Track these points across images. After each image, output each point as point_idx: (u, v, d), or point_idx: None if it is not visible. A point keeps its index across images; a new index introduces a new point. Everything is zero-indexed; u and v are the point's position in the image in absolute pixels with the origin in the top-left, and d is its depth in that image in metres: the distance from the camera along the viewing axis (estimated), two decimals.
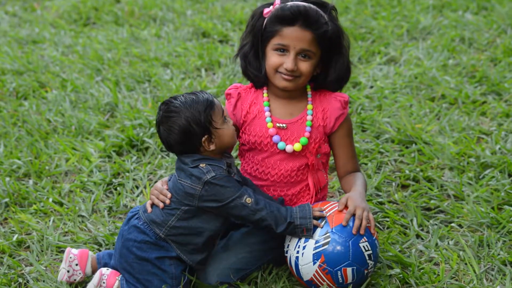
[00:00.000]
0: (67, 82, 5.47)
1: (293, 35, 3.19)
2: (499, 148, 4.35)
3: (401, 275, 3.31)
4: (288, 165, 3.34)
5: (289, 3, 3.21)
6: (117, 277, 3.20)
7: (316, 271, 3.10)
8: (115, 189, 4.14)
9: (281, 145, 3.30)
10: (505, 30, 6.23)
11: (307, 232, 3.11)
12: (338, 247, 3.07)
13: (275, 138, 3.31)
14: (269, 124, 3.31)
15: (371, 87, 5.31)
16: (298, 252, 3.14)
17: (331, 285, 3.12)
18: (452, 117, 4.74)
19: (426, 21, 6.44)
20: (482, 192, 3.90)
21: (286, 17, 3.18)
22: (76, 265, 3.30)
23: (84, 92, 5.32)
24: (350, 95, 5.06)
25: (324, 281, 3.11)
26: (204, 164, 3.09)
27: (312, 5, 3.20)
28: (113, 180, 4.20)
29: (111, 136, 4.64)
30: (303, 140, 3.30)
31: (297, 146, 3.30)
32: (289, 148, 3.30)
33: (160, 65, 5.82)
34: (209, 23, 6.67)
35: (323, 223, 3.11)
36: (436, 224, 3.71)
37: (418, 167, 4.21)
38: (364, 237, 3.09)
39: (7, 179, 4.17)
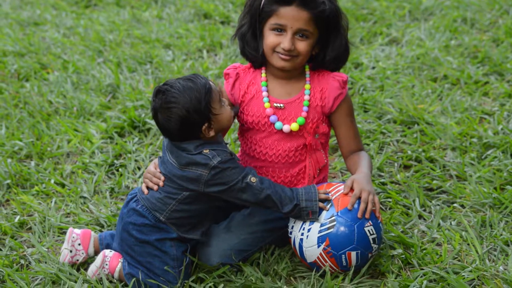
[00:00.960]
0: (69, 63, 5.47)
1: (290, 15, 3.17)
2: (502, 129, 4.34)
3: (403, 256, 3.31)
4: (286, 145, 3.33)
5: None
6: (119, 259, 3.20)
7: (321, 254, 3.10)
8: (117, 171, 4.14)
9: (278, 125, 3.29)
10: (507, 11, 6.21)
11: (313, 215, 3.10)
12: (344, 231, 3.06)
13: (272, 118, 3.29)
14: (266, 104, 3.30)
15: (373, 68, 5.30)
16: (302, 234, 3.13)
17: (335, 268, 3.12)
18: (454, 97, 4.73)
19: (428, 1, 6.41)
20: (485, 173, 3.90)
21: None
22: (79, 245, 3.30)
23: (86, 74, 5.31)
24: (352, 76, 5.04)
25: (327, 263, 3.11)
26: (208, 150, 3.07)
27: None
28: (115, 161, 4.20)
29: (113, 118, 4.63)
30: (300, 120, 3.28)
31: (294, 126, 3.28)
32: (286, 128, 3.29)
33: (161, 46, 5.81)
34: (211, 4, 6.65)
35: (328, 206, 3.11)
36: (438, 205, 3.70)
37: (421, 147, 4.20)
38: (369, 221, 3.09)
39: (9, 160, 4.17)
